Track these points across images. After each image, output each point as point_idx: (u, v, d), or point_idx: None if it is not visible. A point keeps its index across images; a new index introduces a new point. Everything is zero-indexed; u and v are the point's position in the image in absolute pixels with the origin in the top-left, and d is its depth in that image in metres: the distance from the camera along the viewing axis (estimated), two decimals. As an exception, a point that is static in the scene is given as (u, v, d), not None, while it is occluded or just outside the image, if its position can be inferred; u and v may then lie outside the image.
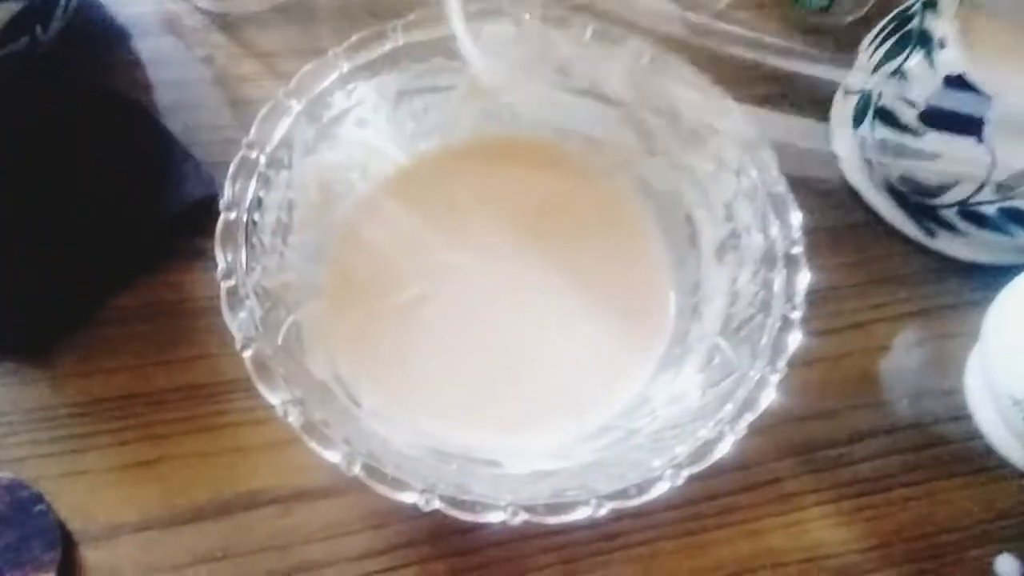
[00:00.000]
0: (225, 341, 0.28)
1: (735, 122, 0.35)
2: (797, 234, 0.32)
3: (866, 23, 0.45)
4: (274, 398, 0.28)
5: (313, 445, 0.27)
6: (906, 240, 0.41)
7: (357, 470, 0.27)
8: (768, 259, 0.32)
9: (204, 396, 0.35)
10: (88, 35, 0.43)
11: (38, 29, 0.38)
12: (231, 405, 0.34)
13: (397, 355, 0.34)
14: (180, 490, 0.33)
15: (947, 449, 0.37)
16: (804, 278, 0.32)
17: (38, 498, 0.31)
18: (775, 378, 0.30)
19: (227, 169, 0.36)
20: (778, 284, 0.32)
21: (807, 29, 0.47)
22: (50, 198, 0.37)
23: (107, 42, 0.44)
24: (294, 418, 0.27)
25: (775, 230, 0.33)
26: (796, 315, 0.31)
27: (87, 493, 0.32)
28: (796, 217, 0.33)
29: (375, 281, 0.35)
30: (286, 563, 0.32)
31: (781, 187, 0.33)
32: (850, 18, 0.47)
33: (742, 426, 0.29)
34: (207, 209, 0.37)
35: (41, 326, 0.35)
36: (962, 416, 0.37)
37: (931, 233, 0.40)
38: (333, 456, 0.27)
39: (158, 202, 0.38)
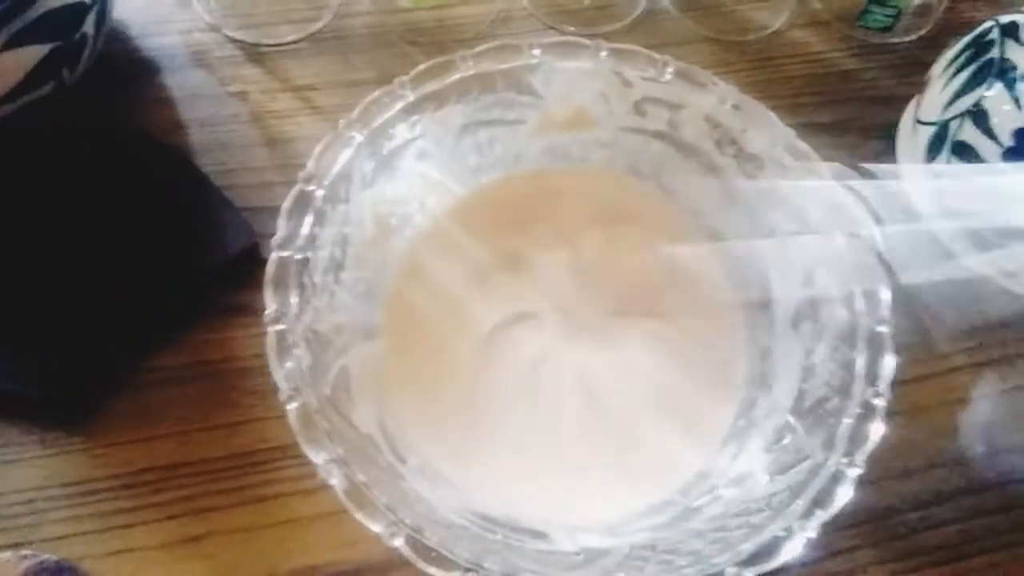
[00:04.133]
0: (271, 404, 0.26)
1: (823, 180, 0.33)
2: (886, 311, 0.30)
3: (928, 42, 0.45)
4: (317, 457, 0.26)
5: (356, 514, 0.25)
6: (984, 280, 0.38)
7: (399, 543, 0.25)
8: (849, 336, 0.30)
9: (252, 464, 0.33)
10: (114, 71, 0.41)
11: (65, 72, 0.36)
12: (280, 474, 0.32)
13: (447, 403, 0.32)
14: (230, 568, 0.31)
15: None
16: (889, 363, 0.29)
17: None
18: (853, 473, 0.27)
19: (265, 215, 0.34)
20: (860, 365, 0.29)
21: (869, 49, 0.46)
22: (82, 252, 0.35)
23: (134, 78, 0.41)
24: (337, 480, 0.26)
25: (860, 304, 0.30)
26: (879, 403, 0.29)
27: (134, 573, 0.30)
28: (885, 293, 0.30)
29: (433, 319, 0.34)
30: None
31: (871, 257, 0.31)
32: (911, 37, 0.46)
33: (814, 524, 0.26)
34: (247, 261, 0.36)
35: (78, 391, 0.33)
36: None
37: (1012, 275, 0.37)
38: (376, 526, 0.25)
39: (197, 255, 0.36)
